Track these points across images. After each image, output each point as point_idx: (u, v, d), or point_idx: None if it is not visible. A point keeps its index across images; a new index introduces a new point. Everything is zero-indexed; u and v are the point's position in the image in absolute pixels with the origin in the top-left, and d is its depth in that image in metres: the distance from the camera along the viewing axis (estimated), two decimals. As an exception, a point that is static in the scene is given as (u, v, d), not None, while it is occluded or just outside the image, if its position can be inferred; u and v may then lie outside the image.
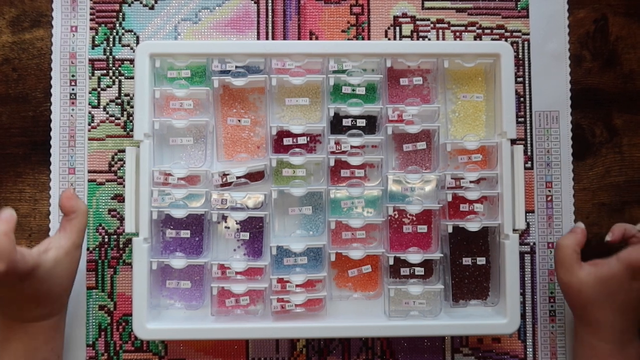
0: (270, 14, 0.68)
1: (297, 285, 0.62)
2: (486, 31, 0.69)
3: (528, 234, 0.67)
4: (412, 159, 0.65)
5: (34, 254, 0.52)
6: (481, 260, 0.63)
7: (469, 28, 0.69)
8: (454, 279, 0.64)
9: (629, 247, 0.58)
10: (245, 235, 0.64)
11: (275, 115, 0.65)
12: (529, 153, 0.68)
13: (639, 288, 0.56)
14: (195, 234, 0.63)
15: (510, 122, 0.62)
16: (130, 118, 0.67)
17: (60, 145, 0.66)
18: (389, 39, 0.68)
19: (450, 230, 0.63)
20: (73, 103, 0.67)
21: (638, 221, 0.67)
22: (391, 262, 0.63)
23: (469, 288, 0.64)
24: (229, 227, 0.65)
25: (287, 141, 0.63)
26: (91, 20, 0.67)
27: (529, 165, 0.67)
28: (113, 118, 0.67)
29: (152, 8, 0.68)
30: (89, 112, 0.67)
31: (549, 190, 0.68)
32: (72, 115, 0.66)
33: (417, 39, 0.68)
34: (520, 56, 0.68)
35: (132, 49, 0.67)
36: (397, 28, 0.68)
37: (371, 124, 0.64)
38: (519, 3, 0.69)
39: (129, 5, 0.68)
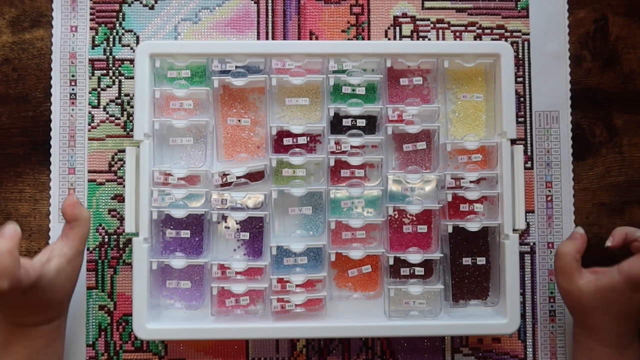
0: (270, 14, 0.68)
1: (297, 285, 0.62)
2: (486, 31, 0.69)
3: (528, 234, 0.67)
4: (412, 159, 0.65)
5: (37, 267, 0.51)
6: (481, 260, 0.63)
7: (469, 28, 0.69)
8: (454, 279, 0.64)
9: (631, 257, 0.56)
10: (245, 235, 0.64)
11: (275, 115, 0.65)
12: (529, 153, 0.68)
13: (639, 298, 0.55)
14: (195, 234, 0.63)
15: (510, 122, 0.62)
16: (130, 118, 0.67)
17: (60, 145, 0.66)
18: (389, 39, 0.68)
19: (450, 230, 0.63)
20: (73, 103, 0.67)
21: (638, 221, 0.67)
22: (391, 262, 0.63)
23: (469, 288, 0.64)
24: (229, 227, 0.65)
25: (287, 141, 0.63)
26: (91, 20, 0.67)
27: (529, 165, 0.67)
28: (113, 118, 0.67)
29: (152, 8, 0.68)
30: (89, 112, 0.67)
31: (549, 190, 0.68)
32: (72, 115, 0.66)
33: (417, 39, 0.68)
34: (520, 56, 0.68)
35: (132, 49, 0.67)
36: (397, 28, 0.68)
37: (371, 124, 0.64)
38: (519, 3, 0.69)
39: (129, 5, 0.68)
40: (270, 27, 0.68)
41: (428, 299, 0.63)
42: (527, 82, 0.68)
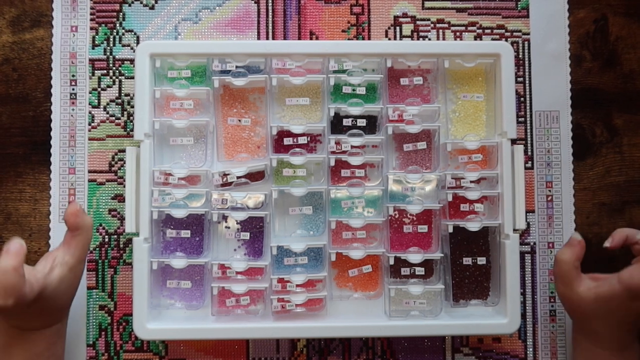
0: (270, 13, 0.68)
1: (297, 285, 0.62)
2: (486, 31, 0.69)
3: (528, 234, 0.67)
4: (413, 158, 0.65)
5: (40, 279, 0.51)
6: (481, 260, 0.63)
7: (469, 28, 0.69)
8: (455, 278, 0.64)
9: (631, 266, 0.56)
10: (246, 235, 0.64)
11: (275, 115, 0.65)
12: (529, 153, 0.68)
13: (638, 307, 0.55)
14: (196, 234, 0.63)
15: (510, 122, 0.62)
16: (131, 118, 0.67)
17: (61, 145, 0.66)
18: (389, 39, 0.68)
19: (450, 230, 0.63)
20: (73, 103, 0.67)
21: (638, 221, 0.67)
22: (391, 262, 0.63)
23: (470, 288, 0.64)
24: (229, 227, 0.65)
25: (287, 141, 0.63)
26: (91, 20, 0.67)
27: (529, 165, 0.68)
28: (113, 118, 0.67)
29: (152, 8, 0.68)
30: (89, 112, 0.67)
31: (549, 190, 0.68)
32: (72, 115, 0.66)
33: (418, 39, 0.68)
34: (520, 56, 0.68)
35: (132, 49, 0.67)
36: (398, 28, 0.68)
37: (371, 124, 0.65)
38: (519, 3, 0.69)
39: (129, 5, 0.68)
40: (270, 27, 0.68)
41: (428, 298, 0.63)
42: (527, 82, 0.68)
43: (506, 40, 0.68)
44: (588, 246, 0.66)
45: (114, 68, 0.67)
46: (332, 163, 0.63)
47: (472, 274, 0.64)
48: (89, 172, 0.66)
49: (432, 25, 0.68)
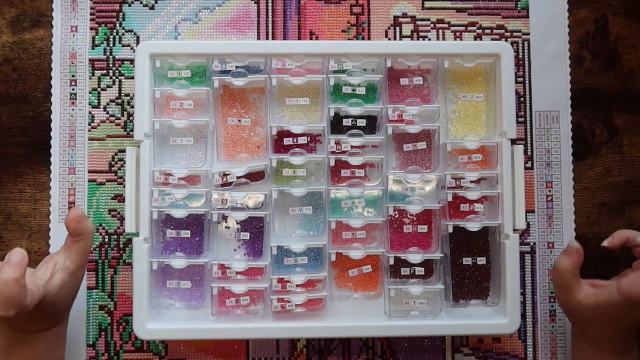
0: (270, 14, 0.68)
1: (297, 285, 0.62)
2: (486, 31, 0.69)
3: (528, 234, 0.67)
4: (413, 158, 0.65)
5: (41, 286, 0.51)
6: (481, 260, 0.63)
7: (469, 28, 0.69)
8: (454, 278, 0.64)
9: (629, 275, 0.56)
10: (246, 235, 0.64)
11: (275, 115, 0.65)
12: (529, 153, 0.68)
13: (637, 314, 0.55)
14: (196, 234, 0.63)
15: (510, 122, 0.62)
16: (131, 118, 0.67)
17: (61, 145, 0.66)
18: (389, 39, 0.68)
19: (450, 230, 0.63)
20: (73, 103, 0.67)
21: (638, 221, 0.67)
22: (391, 262, 0.63)
23: (469, 288, 0.64)
24: (229, 227, 0.65)
25: (287, 141, 0.63)
26: (91, 20, 0.67)
27: (529, 165, 0.68)
28: (113, 118, 0.67)
29: (152, 8, 0.68)
30: (89, 112, 0.67)
31: (549, 190, 0.68)
32: (72, 115, 0.66)
33: (417, 39, 0.68)
34: (520, 56, 0.68)
35: (132, 49, 0.67)
36: (397, 28, 0.68)
37: (371, 124, 0.65)
38: (519, 3, 0.69)
39: (129, 5, 0.68)
40: (270, 27, 0.68)
41: (428, 298, 0.63)
42: (527, 82, 0.68)
43: (506, 41, 0.68)
44: (588, 246, 0.66)
45: (114, 68, 0.67)
46: (332, 163, 0.63)
47: (472, 274, 0.64)
48: (89, 172, 0.66)
49: (432, 25, 0.68)
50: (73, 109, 0.67)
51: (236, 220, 0.64)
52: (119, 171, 0.66)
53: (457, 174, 0.63)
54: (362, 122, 0.64)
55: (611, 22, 0.69)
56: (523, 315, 0.66)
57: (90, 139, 0.66)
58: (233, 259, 0.64)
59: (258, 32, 0.68)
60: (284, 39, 0.68)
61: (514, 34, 0.68)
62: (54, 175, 0.66)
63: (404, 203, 0.63)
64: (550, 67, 0.68)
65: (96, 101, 0.67)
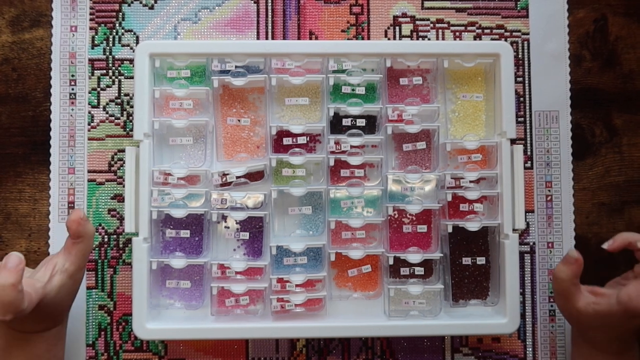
0: (270, 13, 0.68)
1: (297, 285, 0.62)
2: (486, 31, 0.69)
3: (528, 234, 0.67)
4: (412, 158, 0.65)
5: (39, 289, 0.51)
6: (481, 260, 0.63)
7: (469, 28, 0.69)
8: (454, 278, 0.64)
9: (629, 285, 0.55)
10: (245, 235, 0.64)
11: (275, 115, 0.65)
12: (528, 153, 0.68)
13: (637, 323, 0.55)
14: (195, 234, 0.63)
15: (510, 122, 0.62)
16: (130, 118, 0.67)
17: (60, 145, 0.66)
18: (389, 39, 0.68)
19: (450, 230, 0.63)
20: (73, 103, 0.67)
21: (638, 221, 0.67)
22: (391, 262, 0.63)
23: (469, 288, 0.64)
24: (228, 227, 0.65)
25: (286, 141, 0.63)
26: (91, 20, 0.67)
27: (528, 165, 0.67)
28: (113, 118, 0.67)
29: (151, 8, 0.68)
30: (89, 112, 0.67)
31: (549, 190, 0.68)
32: (71, 115, 0.66)
33: (417, 39, 0.68)
34: (520, 56, 0.68)
35: (131, 48, 0.67)
36: (397, 28, 0.68)
37: (371, 124, 0.64)
38: (518, 3, 0.69)
39: (129, 5, 0.68)
40: (270, 27, 0.68)
41: (428, 298, 0.63)
42: (526, 82, 0.68)
43: (506, 40, 0.68)
44: (587, 246, 0.66)
45: (114, 68, 0.67)
46: (332, 163, 0.63)
47: (472, 273, 0.64)
48: (89, 172, 0.66)
49: (431, 25, 0.68)
50: (73, 109, 0.67)
51: (236, 220, 0.64)
52: (118, 171, 0.66)
53: (457, 174, 0.63)
54: (361, 122, 0.64)
55: (611, 22, 0.69)
56: (522, 315, 0.66)
57: (89, 139, 0.66)
58: (232, 258, 0.64)
59: (258, 32, 0.68)
60: (284, 38, 0.68)
61: (514, 33, 0.68)
62: (54, 175, 0.66)
63: (404, 203, 0.63)
64: (549, 67, 0.68)
65: (96, 101, 0.67)
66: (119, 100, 0.67)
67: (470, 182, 0.63)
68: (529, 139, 0.68)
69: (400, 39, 0.68)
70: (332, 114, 0.63)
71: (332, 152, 0.63)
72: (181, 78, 0.64)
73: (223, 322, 0.62)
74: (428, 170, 0.64)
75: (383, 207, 0.64)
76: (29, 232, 0.66)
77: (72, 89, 0.67)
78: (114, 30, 0.67)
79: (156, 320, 0.62)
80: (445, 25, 0.68)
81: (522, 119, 0.68)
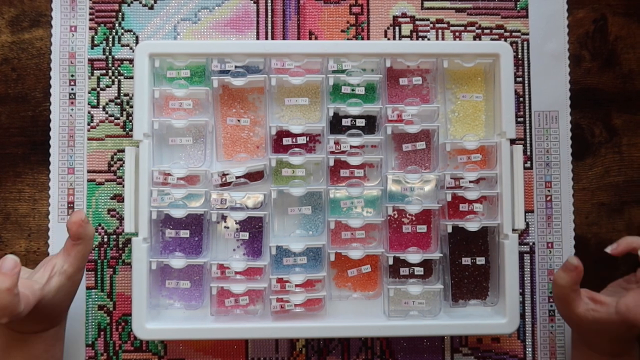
0: (269, 13, 0.68)
1: (296, 285, 0.62)
2: (485, 31, 0.69)
3: (527, 234, 0.67)
4: (412, 158, 0.65)
5: (37, 291, 0.50)
6: (480, 260, 0.64)
7: (469, 28, 0.69)
8: (454, 278, 0.64)
9: (627, 295, 0.54)
10: (245, 235, 0.64)
11: (274, 115, 0.65)
12: (528, 153, 0.68)
13: (636, 331, 0.56)
14: (195, 234, 0.63)
15: (509, 122, 0.62)
16: (130, 118, 0.67)
17: (60, 145, 0.66)
18: (389, 39, 0.68)
19: (449, 230, 0.63)
20: (72, 103, 0.67)
21: (637, 221, 0.67)
22: (391, 262, 0.63)
23: (469, 288, 0.64)
24: (228, 227, 0.65)
25: (286, 141, 0.63)
26: (90, 20, 0.67)
27: (528, 165, 0.67)
28: (112, 118, 0.67)
29: (151, 8, 0.68)
30: (89, 112, 0.67)
31: (549, 190, 0.68)
32: (71, 115, 0.66)
33: (417, 39, 0.68)
34: (519, 56, 0.68)
35: (131, 48, 0.67)
36: (397, 28, 0.68)
37: (371, 124, 0.64)
38: (518, 3, 0.69)
39: (129, 5, 0.68)
40: (269, 27, 0.68)
41: (427, 298, 0.63)
42: (526, 82, 0.68)
43: (505, 41, 0.68)
44: (587, 246, 0.66)
45: (113, 68, 0.67)
46: (331, 163, 0.63)
47: (471, 274, 0.64)
48: (88, 172, 0.66)
49: (431, 25, 0.68)
50: (72, 109, 0.67)
51: (235, 220, 0.64)
52: (118, 171, 0.66)
53: (457, 174, 0.63)
54: (361, 122, 0.64)
55: (610, 22, 0.69)
56: (522, 315, 0.66)
57: (89, 139, 0.66)
58: (232, 258, 0.64)
59: (257, 32, 0.68)
60: (284, 39, 0.68)
61: (514, 34, 0.68)
62: (53, 175, 0.66)
63: (403, 203, 0.63)
64: (549, 67, 0.68)
65: (95, 101, 0.67)
66: (118, 100, 0.67)
67: (470, 182, 0.63)
68: (528, 139, 0.68)
69: (400, 39, 0.68)
70: (331, 114, 0.63)
71: (332, 152, 0.63)
72: (181, 78, 0.64)
73: (223, 322, 0.62)
74: (428, 171, 0.64)
75: (383, 207, 0.64)
76: (28, 232, 0.66)
77: (72, 89, 0.67)
78: (114, 30, 0.67)
79: (156, 320, 0.62)
80: (445, 25, 0.68)
81: (522, 119, 0.68)
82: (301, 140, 0.63)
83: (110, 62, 0.67)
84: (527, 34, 0.68)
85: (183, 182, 0.63)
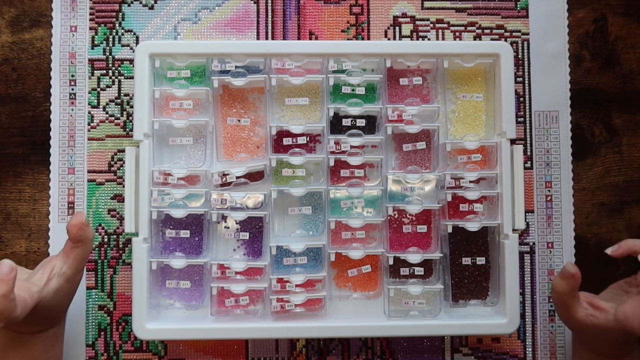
0: (270, 13, 0.68)
1: (296, 285, 0.62)
2: (486, 31, 0.69)
3: (527, 234, 0.67)
4: (412, 158, 0.65)
5: (35, 293, 0.50)
6: (481, 260, 0.64)
7: (469, 28, 0.69)
8: (454, 278, 0.64)
9: (626, 303, 0.53)
10: (245, 235, 0.64)
11: (275, 115, 0.65)
12: (528, 153, 0.68)
13: (635, 337, 0.56)
14: (195, 234, 0.63)
15: (509, 122, 0.62)
16: (130, 118, 0.67)
17: (60, 145, 0.66)
18: (389, 39, 0.68)
19: (450, 230, 0.63)
20: (72, 103, 0.67)
21: (637, 221, 0.67)
22: (391, 262, 0.63)
23: (469, 288, 0.64)
24: (228, 227, 0.65)
25: (286, 141, 0.63)
26: (91, 20, 0.67)
27: (528, 165, 0.68)
28: (113, 118, 0.67)
29: (151, 8, 0.68)
30: (89, 112, 0.67)
31: (549, 190, 0.68)
32: (71, 115, 0.66)
33: (417, 39, 0.68)
34: (519, 56, 0.68)
35: (131, 48, 0.67)
36: (397, 28, 0.68)
37: (371, 124, 0.65)
38: (518, 3, 0.69)
39: (129, 5, 0.68)
40: (269, 27, 0.68)
41: (428, 298, 0.63)
42: (526, 82, 0.68)
43: (505, 41, 0.68)
44: (587, 246, 0.66)
45: (114, 68, 0.67)
46: (332, 163, 0.63)
47: (472, 274, 0.64)
48: (88, 172, 0.66)
49: (431, 25, 0.68)
50: (72, 109, 0.67)
51: (235, 220, 0.64)
52: (118, 171, 0.66)
53: (457, 174, 0.63)
54: (361, 122, 0.64)
55: (610, 22, 0.69)
56: (522, 315, 0.66)
57: (89, 139, 0.66)
58: (232, 259, 0.64)
59: (257, 32, 0.68)
60: (284, 39, 0.68)
61: (514, 34, 0.68)
62: (54, 175, 0.66)
63: (404, 203, 0.63)
64: (549, 67, 0.68)
65: (95, 101, 0.67)
66: (118, 101, 0.67)
67: (470, 182, 0.63)
68: (528, 139, 0.68)
69: (400, 39, 0.68)
70: (332, 114, 0.63)
71: (332, 152, 0.63)
72: (181, 78, 0.64)
73: (223, 322, 0.62)
74: (428, 171, 0.64)
75: (383, 207, 0.64)
76: (28, 232, 0.66)
77: (72, 89, 0.67)
78: (114, 31, 0.67)
79: (156, 320, 0.62)
80: (445, 25, 0.68)
81: (522, 119, 0.68)
82: (301, 140, 0.63)
83: (110, 62, 0.67)
84: (527, 34, 0.68)
85: (183, 182, 0.63)
